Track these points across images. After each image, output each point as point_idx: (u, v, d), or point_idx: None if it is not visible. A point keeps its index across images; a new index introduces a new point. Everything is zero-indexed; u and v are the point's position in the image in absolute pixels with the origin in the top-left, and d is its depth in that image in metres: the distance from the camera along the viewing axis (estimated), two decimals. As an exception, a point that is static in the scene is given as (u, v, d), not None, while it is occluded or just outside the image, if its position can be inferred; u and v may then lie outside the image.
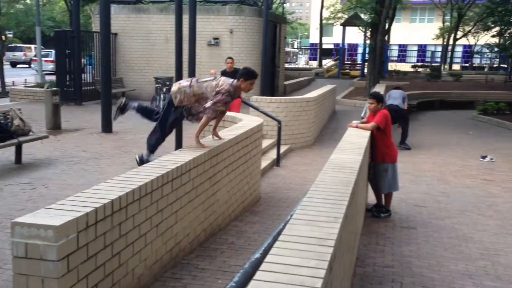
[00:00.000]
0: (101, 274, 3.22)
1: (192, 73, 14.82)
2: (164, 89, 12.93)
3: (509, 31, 19.80)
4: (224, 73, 11.12)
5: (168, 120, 5.25)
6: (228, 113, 8.01)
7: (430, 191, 7.76)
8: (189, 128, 10.75)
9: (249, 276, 2.17)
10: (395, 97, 11.67)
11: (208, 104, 4.84)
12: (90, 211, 3.01)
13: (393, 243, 5.45)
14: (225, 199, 5.46)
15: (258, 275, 1.98)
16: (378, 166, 6.32)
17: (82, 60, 16.93)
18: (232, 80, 4.98)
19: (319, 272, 2.00)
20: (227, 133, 5.76)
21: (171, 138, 9.12)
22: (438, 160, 10.26)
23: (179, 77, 7.84)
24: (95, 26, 18.57)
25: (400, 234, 5.76)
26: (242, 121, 6.69)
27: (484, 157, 10.34)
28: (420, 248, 5.31)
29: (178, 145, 7.85)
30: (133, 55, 18.39)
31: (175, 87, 5.11)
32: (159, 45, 18.02)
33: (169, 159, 4.36)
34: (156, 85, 13.89)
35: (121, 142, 9.99)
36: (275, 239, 2.49)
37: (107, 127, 10.88)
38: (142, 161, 5.40)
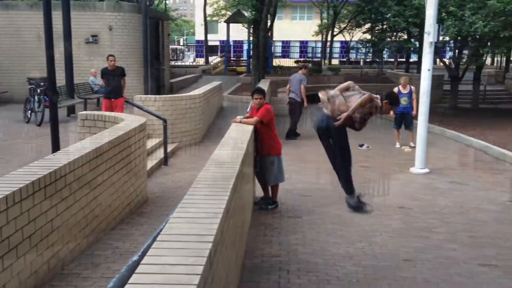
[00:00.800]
0: (-36, 295, 2.91)
1: (69, 72, 14.06)
2: (39, 90, 12.02)
3: (377, 27, 21.31)
4: (105, 71, 10.65)
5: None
6: (110, 114, 7.71)
7: (314, 180, 8.11)
8: (68, 131, 10.17)
9: (125, 279, 2.07)
10: (292, 90, 12.38)
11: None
12: None
13: (280, 233, 5.61)
14: (108, 203, 5.23)
15: (134, 278, 1.91)
16: (264, 159, 6.44)
17: None
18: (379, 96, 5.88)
19: (196, 268, 1.97)
20: (107, 134, 5.52)
21: (47, 142, 8.56)
22: (321, 150, 10.73)
23: (52, 75, 7.32)
24: (-45, 23, 16.84)
25: (287, 223, 5.95)
26: (124, 121, 6.44)
27: (361, 146, 11.06)
28: (306, 235, 5.52)
29: (55, 148, 7.33)
30: (1, 54, 16.94)
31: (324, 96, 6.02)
32: (32, 43, 16.80)
33: (41, 164, 4.05)
34: (30, 86, 12.92)
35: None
36: (154, 239, 2.41)
37: (-27, 134, 9.90)
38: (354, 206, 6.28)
